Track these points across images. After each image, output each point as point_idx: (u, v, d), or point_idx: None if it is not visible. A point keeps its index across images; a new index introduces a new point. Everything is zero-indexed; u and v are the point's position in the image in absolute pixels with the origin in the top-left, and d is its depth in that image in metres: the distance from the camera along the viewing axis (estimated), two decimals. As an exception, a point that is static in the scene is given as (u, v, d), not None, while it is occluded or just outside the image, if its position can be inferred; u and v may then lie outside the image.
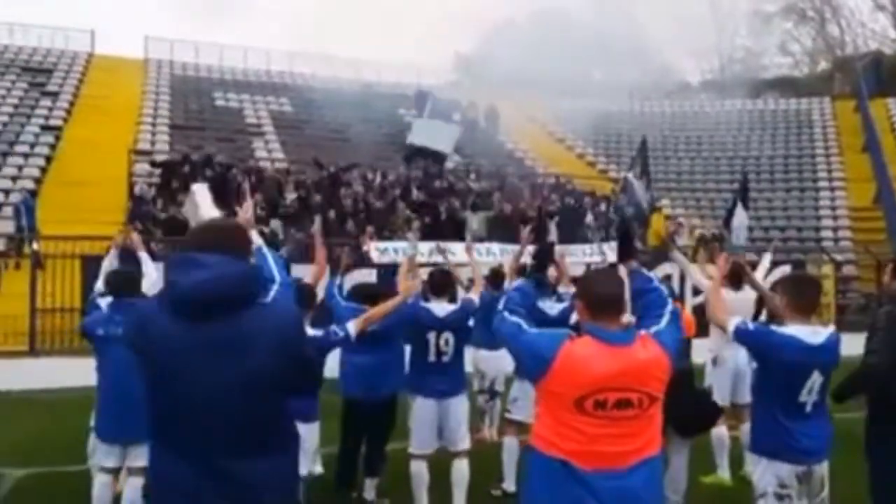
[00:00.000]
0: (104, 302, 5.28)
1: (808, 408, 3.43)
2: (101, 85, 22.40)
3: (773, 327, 3.50)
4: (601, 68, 39.26)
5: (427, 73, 31.05)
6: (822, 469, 3.51)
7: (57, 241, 11.15)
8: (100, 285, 5.69)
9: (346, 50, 49.42)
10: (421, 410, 4.79)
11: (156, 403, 2.27)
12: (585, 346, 2.49)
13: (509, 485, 5.51)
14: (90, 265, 10.86)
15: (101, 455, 4.68)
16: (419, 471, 4.81)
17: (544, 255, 5.61)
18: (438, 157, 19.25)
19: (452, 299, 4.98)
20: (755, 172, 24.77)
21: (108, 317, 4.59)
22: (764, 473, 3.46)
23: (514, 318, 2.71)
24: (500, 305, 2.81)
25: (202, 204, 3.69)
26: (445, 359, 4.75)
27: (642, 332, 2.59)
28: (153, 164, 15.95)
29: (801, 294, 3.52)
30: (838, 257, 17.12)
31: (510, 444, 5.53)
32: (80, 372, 9.74)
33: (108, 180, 16.38)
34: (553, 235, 14.37)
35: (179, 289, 2.21)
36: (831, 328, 3.50)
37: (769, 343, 3.40)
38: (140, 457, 4.46)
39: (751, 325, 3.54)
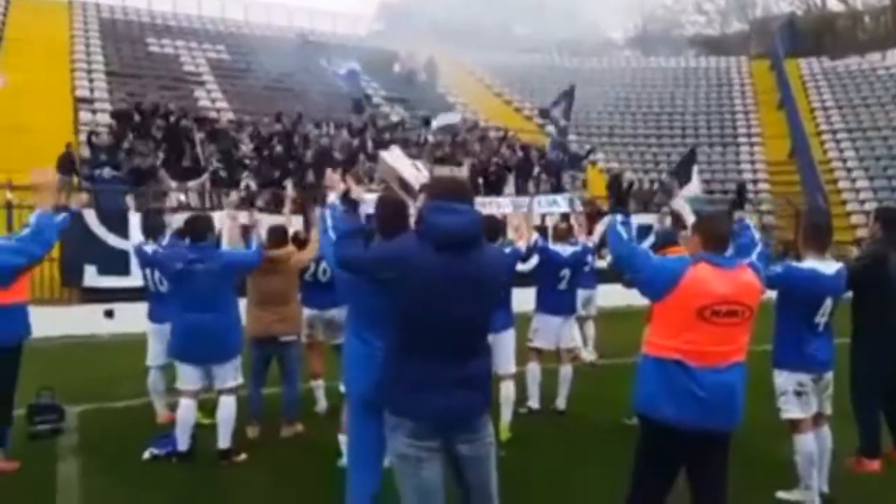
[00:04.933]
0: (150, 247, 5.81)
1: (821, 328, 4.30)
2: (25, 27, 21.35)
3: (795, 263, 4.33)
4: (529, 22, 39.95)
5: (357, 21, 30.98)
6: (830, 374, 4.41)
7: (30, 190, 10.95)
8: (140, 235, 6.15)
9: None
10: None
11: (410, 319, 2.86)
12: (704, 270, 3.19)
13: (534, 402, 6.31)
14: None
15: (184, 380, 5.17)
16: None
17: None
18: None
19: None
20: (680, 128, 26.25)
21: (184, 254, 5.13)
22: (787, 379, 4.33)
23: (642, 247, 3.43)
24: (624, 234, 3.49)
25: (398, 164, 4.13)
26: (497, 297, 5.38)
27: (741, 260, 3.34)
28: (112, 114, 15.61)
29: (818, 234, 4.37)
30: (761, 208, 18.63)
31: (533, 369, 6.30)
32: (69, 321, 10.03)
33: (49, 127, 15.91)
34: (511, 188, 15.12)
35: (444, 228, 2.83)
36: (840, 263, 4.36)
37: (797, 279, 4.21)
38: (227, 378, 5.15)
39: (778, 268, 4.30)
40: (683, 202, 7.30)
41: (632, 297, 10.89)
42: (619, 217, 3.63)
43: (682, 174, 15.68)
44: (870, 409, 4.97)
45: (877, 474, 5.01)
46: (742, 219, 3.90)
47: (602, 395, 6.83)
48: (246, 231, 5.90)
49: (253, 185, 12.99)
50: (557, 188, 15.87)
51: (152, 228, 6.36)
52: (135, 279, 10.69)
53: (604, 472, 4.88)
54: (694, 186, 14.76)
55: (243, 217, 7.48)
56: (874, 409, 5.01)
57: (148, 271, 6.11)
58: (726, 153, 24.45)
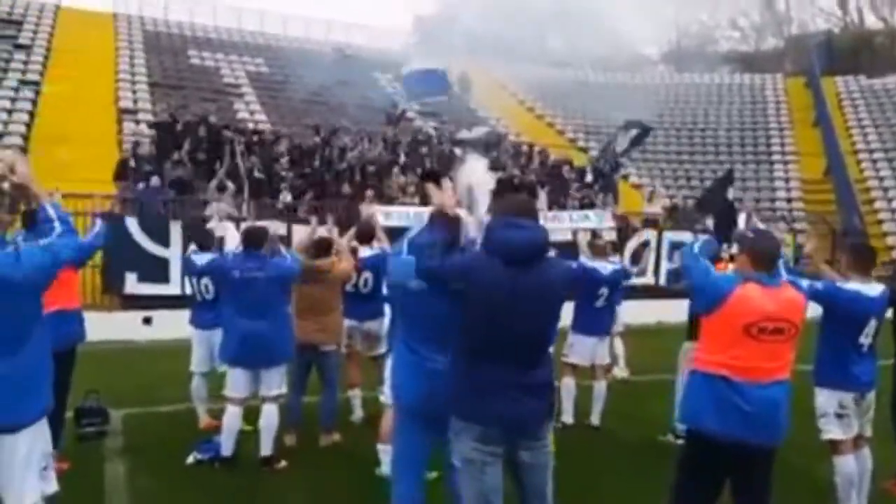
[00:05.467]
0: (203, 257, 5.97)
1: (865, 349, 4.32)
2: (73, 39, 21.93)
3: (839, 284, 4.34)
4: (561, 36, 40.02)
5: (395, 35, 31.28)
6: (872, 395, 4.42)
7: (76, 199, 11.26)
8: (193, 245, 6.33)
9: (307, 10, 48.86)
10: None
11: (478, 328, 3.00)
12: (752, 289, 3.29)
13: (567, 418, 6.35)
14: (110, 225, 11.17)
15: (233, 388, 5.32)
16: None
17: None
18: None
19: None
20: (713, 145, 26.08)
21: (241, 263, 5.31)
22: (828, 399, 4.35)
23: (706, 262, 3.53)
24: (697, 249, 3.62)
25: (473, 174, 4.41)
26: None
27: (783, 279, 3.41)
28: (153, 125, 15.99)
29: (863, 257, 4.41)
30: (796, 226, 18.42)
31: (568, 384, 6.36)
32: (110, 327, 10.29)
33: (94, 138, 16.35)
34: (543, 203, 15.17)
35: (511, 243, 2.97)
36: (882, 285, 4.37)
37: (841, 298, 4.24)
38: (273, 385, 5.28)
39: (819, 286, 4.32)
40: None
41: (661, 314, 11.00)
42: (706, 237, 3.87)
43: (717, 194, 15.74)
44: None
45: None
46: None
47: (635, 413, 6.86)
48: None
49: (289, 198, 13.21)
50: (590, 204, 15.93)
51: (205, 238, 6.53)
52: (173, 287, 11.04)
53: (638, 488, 4.94)
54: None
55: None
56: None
57: (195, 279, 6.26)
58: (760, 170, 24.24)
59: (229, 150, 15.04)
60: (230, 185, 13.56)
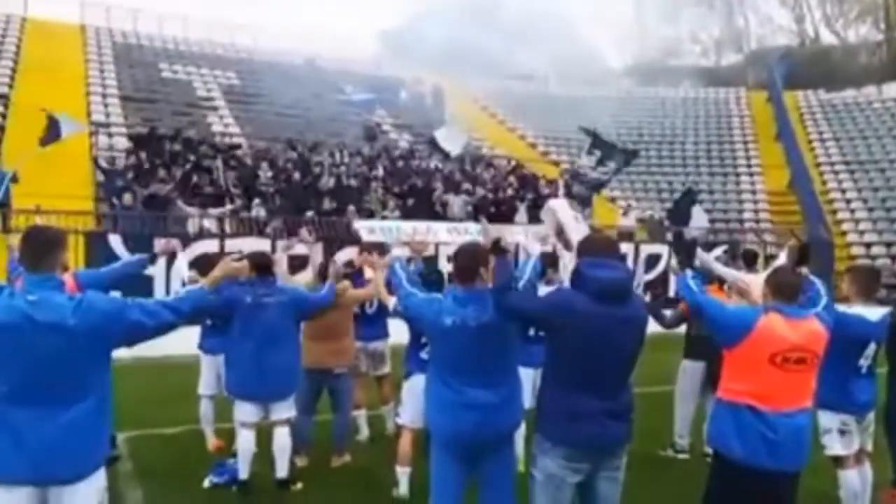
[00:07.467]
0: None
1: (864, 370, 4.55)
2: (41, 50, 21.58)
3: (842, 308, 4.55)
4: (526, 49, 40.53)
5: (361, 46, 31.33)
6: (871, 413, 4.66)
7: (57, 215, 11.14)
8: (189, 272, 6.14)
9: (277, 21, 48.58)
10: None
11: (572, 359, 3.27)
12: (775, 319, 3.49)
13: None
14: (94, 242, 11.13)
15: (243, 414, 5.29)
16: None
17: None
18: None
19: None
20: (681, 157, 26.65)
21: (253, 289, 5.25)
22: (831, 418, 4.58)
23: (714, 298, 3.72)
24: (694, 286, 3.80)
25: (564, 215, 4.45)
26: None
27: (809, 311, 3.62)
28: (130, 138, 15.83)
29: (868, 281, 4.63)
30: (767, 238, 18.95)
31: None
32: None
33: (67, 152, 16.09)
34: (523, 217, 15.42)
35: (602, 281, 3.22)
36: (885, 308, 4.61)
37: (843, 322, 4.37)
38: (283, 410, 5.28)
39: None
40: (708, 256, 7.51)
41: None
42: (689, 272, 3.97)
43: (683, 206, 16.20)
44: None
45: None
46: (807, 275, 4.22)
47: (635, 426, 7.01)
48: (325, 268, 5.98)
49: (263, 213, 13.20)
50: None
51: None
52: (156, 304, 10.97)
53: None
54: (697, 223, 15.24)
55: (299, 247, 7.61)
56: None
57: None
58: (727, 183, 24.87)
59: (205, 167, 15.02)
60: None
